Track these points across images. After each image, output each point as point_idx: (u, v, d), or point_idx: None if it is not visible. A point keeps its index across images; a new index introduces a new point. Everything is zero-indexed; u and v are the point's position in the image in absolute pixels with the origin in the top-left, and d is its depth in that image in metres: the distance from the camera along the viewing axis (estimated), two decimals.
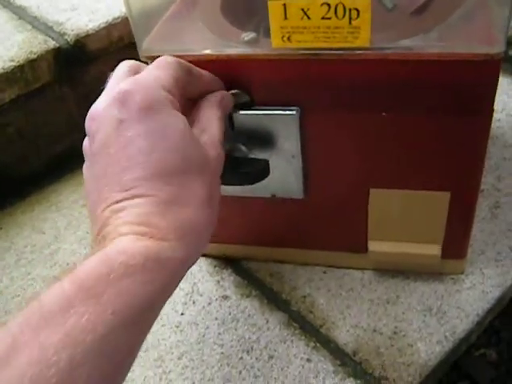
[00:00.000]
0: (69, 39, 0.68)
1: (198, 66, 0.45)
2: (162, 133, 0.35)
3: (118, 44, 0.72)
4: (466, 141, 0.46)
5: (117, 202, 0.34)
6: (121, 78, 0.39)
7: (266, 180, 0.51)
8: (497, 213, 0.63)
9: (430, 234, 0.54)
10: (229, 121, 0.47)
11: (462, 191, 0.50)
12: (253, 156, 0.49)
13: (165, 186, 0.34)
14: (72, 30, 0.69)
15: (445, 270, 0.57)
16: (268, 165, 0.49)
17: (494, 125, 0.73)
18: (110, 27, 0.70)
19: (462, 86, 0.43)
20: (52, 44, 0.67)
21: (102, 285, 0.29)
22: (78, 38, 0.69)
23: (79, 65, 0.71)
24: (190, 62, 0.45)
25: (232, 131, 0.48)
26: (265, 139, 0.48)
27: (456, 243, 0.55)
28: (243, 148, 0.48)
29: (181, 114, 0.37)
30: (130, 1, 0.46)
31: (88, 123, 0.38)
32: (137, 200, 0.33)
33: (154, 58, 0.46)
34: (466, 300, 0.55)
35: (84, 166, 0.39)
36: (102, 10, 0.73)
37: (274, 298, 0.57)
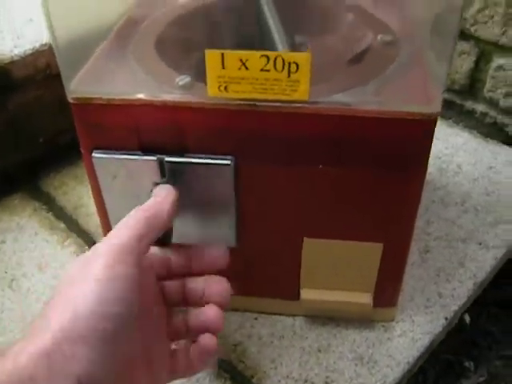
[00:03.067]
0: None
1: (130, 111, 0.43)
2: None
3: (45, 71, 0.68)
4: (400, 195, 0.47)
5: None
6: None
7: (199, 227, 0.49)
8: (426, 257, 0.64)
9: (362, 282, 0.53)
10: (160, 167, 0.46)
11: (394, 243, 0.50)
12: None
13: None
14: None
15: (376, 317, 0.57)
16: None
17: None
18: (36, 54, 0.67)
19: (397, 143, 0.43)
20: None
21: None
22: (3, 65, 0.65)
23: (3, 92, 0.67)
24: (122, 105, 0.44)
25: (162, 178, 0.46)
26: (198, 188, 0.47)
27: (387, 292, 0.55)
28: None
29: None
30: (56, 34, 0.43)
31: None
32: None
33: (81, 100, 0.44)
34: (397, 348, 0.55)
35: None
36: (28, 35, 0.69)
37: None
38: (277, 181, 0.47)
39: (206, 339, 0.41)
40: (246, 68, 0.40)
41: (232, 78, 0.41)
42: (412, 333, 0.56)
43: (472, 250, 0.64)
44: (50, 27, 0.43)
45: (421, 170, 0.45)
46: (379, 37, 0.51)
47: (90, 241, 0.66)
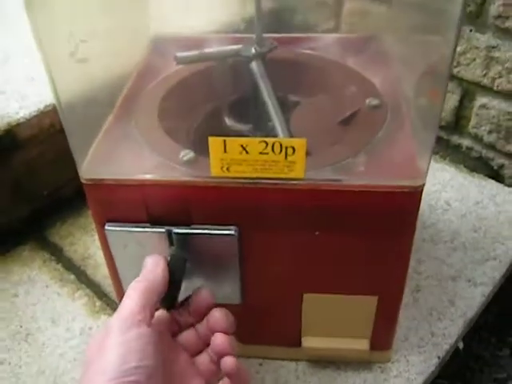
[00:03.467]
0: None
1: (138, 189, 0.47)
2: None
3: (49, 130, 0.72)
4: (392, 254, 0.50)
5: None
6: None
7: (207, 287, 0.52)
8: (418, 297, 0.68)
9: (359, 330, 0.57)
10: (168, 238, 0.49)
11: (387, 295, 0.54)
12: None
13: None
14: (1, 119, 0.68)
15: (373, 359, 0.60)
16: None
17: None
18: (41, 115, 0.70)
19: (387, 211, 0.47)
20: None
21: None
22: (9, 127, 0.68)
23: (8, 151, 0.70)
24: (131, 185, 0.47)
25: (171, 247, 0.49)
26: (205, 254, 0.50)
27: (383, 337, 0.58)
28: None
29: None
30: (66, 123, 0.47)
31: None
32: None
33: (93, 181, 0.48)
34: None
35: None
36: (31, 95, 0.72)
37: None
38: (277, 246, 0.50)
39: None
40: (247, 152, 0.44)
41: (233, 160, 0.44)
42: (407, 373, 0.60)
43: (461, 288, 0.68)
44: (61, 111, 0.46)
45: (409, 233, 0.49)
46: (367, 100, 0.55)
47: (99, 292, 0.69)
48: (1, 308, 0.68)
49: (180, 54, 0.58)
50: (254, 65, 0.55)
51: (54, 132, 0.72)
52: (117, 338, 0.39)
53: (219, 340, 0.47)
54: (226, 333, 0.47)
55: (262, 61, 0.54)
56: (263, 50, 0.55)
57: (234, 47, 0.57)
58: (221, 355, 0.46)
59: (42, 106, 0.70)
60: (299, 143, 0.43)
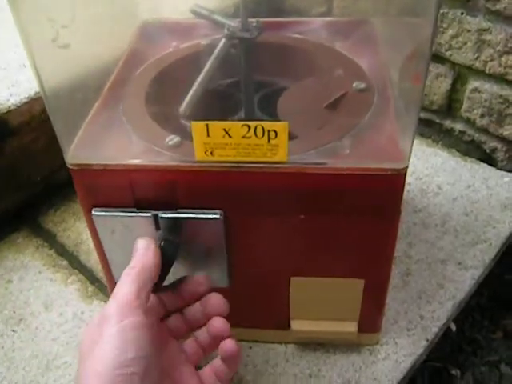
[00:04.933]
0: None
1: (124, 174, 0.47)
2: None
3: (40, 117, 0.72)
4: (377, 237, 0.50)
5: None
6: None
7: (194, 272, 0.53)
8: (408, 280, 0.68)
9: (347, 313, 0.57)
10: (154, 222, 0.49)
11: (374, 278, 0.54)
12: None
13: None
14: None
15: (361, 341, 0.61)
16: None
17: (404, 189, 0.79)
18: (31, 102, 0.70)
19: (371, 194, 0.47)
20: None
21: None
22: (0, 114, 0.68)
23: (0, 138, 0.70)
24: (117, 170, 0.47)
25: (157, 231, 0.50)
26: (191, 239, 0.50)
27: (371, 320, 0.59)
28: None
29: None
30: (51, 109, 0.47)
31: None
32: None
33: (79, 166, 0.48)
34: (382, 371, 0.59)
35: None
36: (23, 82, 0.73)
37: None
38: (263, 229, 0.51)
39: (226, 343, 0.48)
40: (230, 136, 0.44)
41: (217, 144, 0.45)
42: (396, 355, 0.60)
43: (451, 271, 0.69)
44: (46, 98, 0.47)
45: (394, 216, 0.49)
46: (354, 84, 0.55)
47: (91, 277, 0.70)
48: None
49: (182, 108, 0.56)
50: (237, 49, 0.55)
51: (45, 118, 0.70)
52: (113, 327, 0.40)
53: (218, 323, 0.47)
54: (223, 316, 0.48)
55: (247, 45, 0.54)
56: (248, 35, 0.55)
57: (219, 47, 0.56)
58: (220, 338, 0.47)
59: (32, 93, 0.70)
60: (281, 126, 0.43)
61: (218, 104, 0.57)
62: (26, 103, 0.70)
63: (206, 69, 0.53)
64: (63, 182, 0.79)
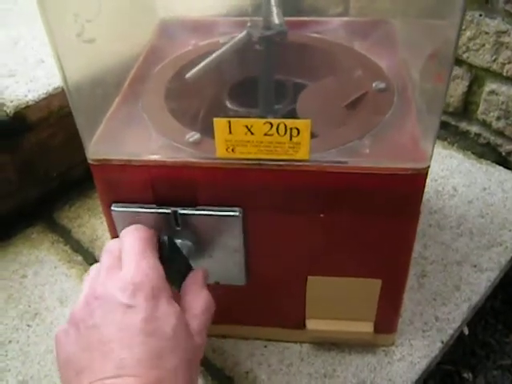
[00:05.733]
0: (8, 111, 0.68)
1: (145, 170, 0.47)
2: (161, 322, 0.39)
3: (58, 113, 0.72)
4: (396, 237, 0.50)
5: (108, 377, 0.36)
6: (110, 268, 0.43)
7: (211, 269, 0.53)
8: (423, 282, 0.68)
9: (364, 313, 0.57)
10: (174, 218, 0.49)
11: (391, 278, 0.54)
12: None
13: (154, 369, 0.37)
14: (11, 101, 0.69)
15: (377, 342, 0.60)
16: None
17: None
18: (50, 97, 0.71)
19: (392, 194, 0.47)
20: None
21: None
22: (18, 110, 0.68)
23: (19, 134, 0.71)
24: (137, 166, 0.47)
25: (177, 228, 0.50)
26: (209, 236, 0.50)
27: (387, 320, 0.59)
28: (190, 244, 0.50)
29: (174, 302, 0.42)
30: (74, 104, 0.47)
31: (89, 299, 0.41)
32: (127, 379, 0.36)
33: (100, 161, 0.48)
34: (397, 372, 0.59)
35: (66, 329, 0.41)
36: (41, 78, 0.73)
37: (217, 375, 0.59)
38: (282, 228, 0.51)
39: None
40: (251, 133, 0.44)
41: (238, 141, 0.45)
42: (411, 357, 0.60)
43: (467, 273, 0.68)
44: (69, 94, 0.47)
45: (414, 215, 0.49)
46: (374, 84, 0.55)
47: None
48: (10, 288, 0.69)
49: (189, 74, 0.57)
50: (259, 48, 0.55)
51: (63, 114, 0.72)
52: (146, 309, 0.39)
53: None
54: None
55: (269, 44, 0.54)
56: (269, 33, 0.55)
57: (239, 36, 0.56)
58: None
59: (50, 89, 0.71)
60: (304, 124, 0.43)
61: (238, 99, 0.57)
62: (44, 99, 0.70)
63: (223, 48, 0.53)
64: (79, 178, 0.79)
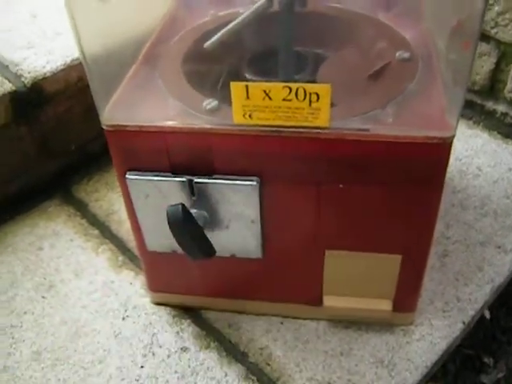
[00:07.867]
0: (26, 82, 0.67)
1: (161, 136, 0.46)
2: None
3: (76, 85, 0.71)
4: (418, 210, 0.49)
5: None
6: None
7: (227, 241, 0.52)
8: (445, 261, 0.66)
9: (382, 290, 0.56)
10: (189, 187, 0.48)
11: (412, 255, 0.52)
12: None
13: None
14: (29, 73, 0.68)
15: (395, 321, 0.59)
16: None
17: None
18: (68, 69, 0.70)
19: (415, 163, 0.45)
20: (9, 87, 0.66)
21: None
22: (36, 81, 0.68)
23: (36, 106, 0.70)
24: (153, 132, 0.46)
25: (192, 197, 0.49)
26: (226, 206, 0.49)
27: (406, 299, 0.57)
28: (205, 214, 0.49)
29: None
30: (89, 66, 0.46)
31: None
32: None
33: (115, 127, 0.47)
34: (416, 352, 0.58)
35: None
36: (58, 49, 0.72)
37: (232, 350, 0.58)
38: (299, 199, 0.49)
39: None
40: (270, 98, 0.43)
41: (256, 106, 0.43)
42: (430, 337, 0.59)
43: (490, 254, 0.66)
44: (84, 58, 0.46)
45: (438, 187, 0.47)
46: (398, 53, 0.53)
47: (122, 247, 0.69)
48: (26, 260, 0.69)
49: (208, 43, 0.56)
50: (279, 17, 0.53)
51: (81, 87, 0.72)
52: None
53: None
54: None
55: (289, 10, 0.53)
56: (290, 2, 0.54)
57: (259, 2, 0.55)
58: None
59: (68, 60, 0.70)
60: (324, 89, 0.42)
61: (257, 68, 0.55)
62: (62, 70, 0.69)
63: (243, 15, 0.51)
64: (97, 152, 0.78)
